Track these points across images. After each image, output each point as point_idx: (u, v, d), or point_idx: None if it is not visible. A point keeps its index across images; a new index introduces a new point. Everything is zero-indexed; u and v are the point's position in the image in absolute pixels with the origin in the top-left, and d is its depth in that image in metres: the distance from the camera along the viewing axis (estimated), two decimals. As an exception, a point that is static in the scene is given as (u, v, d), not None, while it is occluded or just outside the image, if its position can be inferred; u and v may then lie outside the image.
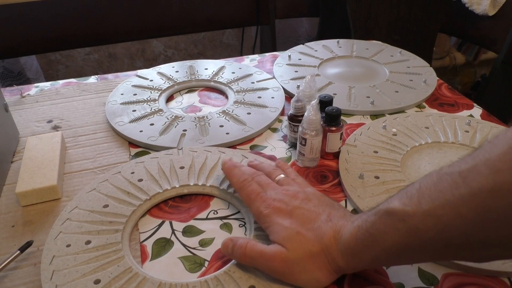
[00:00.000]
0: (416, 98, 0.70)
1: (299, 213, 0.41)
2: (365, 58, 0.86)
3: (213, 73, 0.79)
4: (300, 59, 0.85)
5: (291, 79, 0.77)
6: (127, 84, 0.75)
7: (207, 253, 0.44)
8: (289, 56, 0.86)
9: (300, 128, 0.54)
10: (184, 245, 0.45)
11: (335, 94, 0.72)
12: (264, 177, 0.47)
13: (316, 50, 0.89)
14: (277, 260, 0.38)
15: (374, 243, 0.35)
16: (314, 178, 0.54)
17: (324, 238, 0.38)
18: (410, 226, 0.32)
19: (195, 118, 0.65)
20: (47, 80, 1.52)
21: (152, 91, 0.73)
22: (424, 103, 0.71)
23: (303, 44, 0.91)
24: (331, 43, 0.92)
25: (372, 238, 0.35)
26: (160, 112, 0.67)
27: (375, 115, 0.68)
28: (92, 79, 0.80)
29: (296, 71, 0.80)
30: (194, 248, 0.45)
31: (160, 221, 0.48)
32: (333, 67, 0.83)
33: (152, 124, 0.64)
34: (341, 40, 0.93)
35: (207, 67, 0.82)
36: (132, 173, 0.53)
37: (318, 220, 0.40)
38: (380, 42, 0.93)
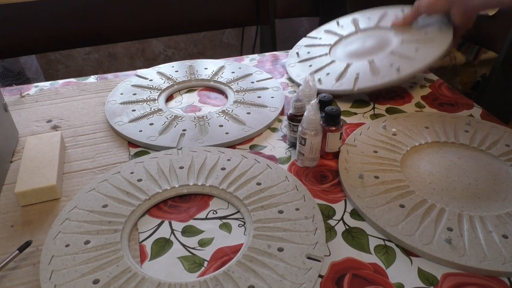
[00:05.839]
0: (438, 49, 0.67)
1: None
2: (372, 29, 0.82)
3: (213, 72, 0.79)
4: (309, 52, 0.83)
5: (309, 75, 0.75)
6: (126, 84, 0.75)
7: (206, 253, 0.44)
8: (297, 53, 0.84)
9: (299, 128, 0.54)
10: (184, 245, 0.45)
11: (358, 73, 0.69)
12: None
13: (320, 38, 0.86)
14: None
15: None
16: (314, 178, 0.54)
17: None
18: None
19: (195, 117, 0.65)
20: (47, 79, 1.51)
21: (152, 91, 0.73)
22: (424, 103, 0.71)
23: None
24: (332, 25, 0.89)
25: None
26: (160, 112, 0.67)
27: (375, 115, 0.67)
28: (92, 78, 0.80)
29: (310, 65, 0.78)
30: (193, 248, 0.44)
31: (159, 221, 0.48)
32: (344, 48, 0.80)
33: (151, 124, 0.64)
34: (340, 20, 0.89)
35: (206, 67, 0.82)
36: (132, 173, 0.53)
37: None
38: (378, 8, 0.87)
